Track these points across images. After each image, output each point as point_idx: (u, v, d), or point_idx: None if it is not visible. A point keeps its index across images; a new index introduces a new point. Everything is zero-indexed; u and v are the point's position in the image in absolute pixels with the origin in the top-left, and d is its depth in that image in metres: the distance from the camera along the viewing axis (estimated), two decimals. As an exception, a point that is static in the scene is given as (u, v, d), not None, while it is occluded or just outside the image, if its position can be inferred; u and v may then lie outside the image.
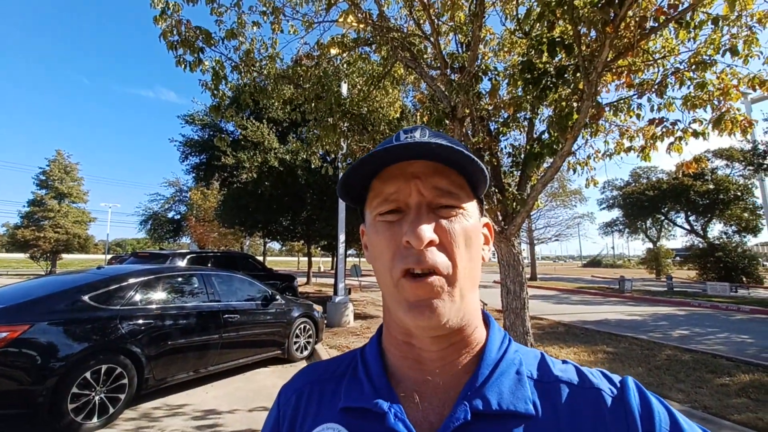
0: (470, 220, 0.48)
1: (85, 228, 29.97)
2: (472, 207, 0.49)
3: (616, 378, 0.47)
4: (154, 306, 4.21)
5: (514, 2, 3.93)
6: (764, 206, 13.69)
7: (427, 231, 0.43)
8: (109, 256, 27.86)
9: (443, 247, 0.45)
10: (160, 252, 9.84)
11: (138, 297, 4.13)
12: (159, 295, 4.36)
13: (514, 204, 3.71)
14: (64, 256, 30.43)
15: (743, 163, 17.84)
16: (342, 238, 9.06)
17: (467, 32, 3.89)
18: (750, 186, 20.36)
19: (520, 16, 3.81)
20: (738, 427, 3.55)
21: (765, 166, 12.82)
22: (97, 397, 3.52)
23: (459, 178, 0.48)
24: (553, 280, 26.49)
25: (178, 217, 28.36)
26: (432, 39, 3.74)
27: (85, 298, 3.75)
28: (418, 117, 4.71)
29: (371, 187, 0.50)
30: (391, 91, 4.74)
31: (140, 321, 3.98)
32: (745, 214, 20.84)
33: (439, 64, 3.85)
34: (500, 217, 3.83)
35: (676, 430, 0.41)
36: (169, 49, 3.47)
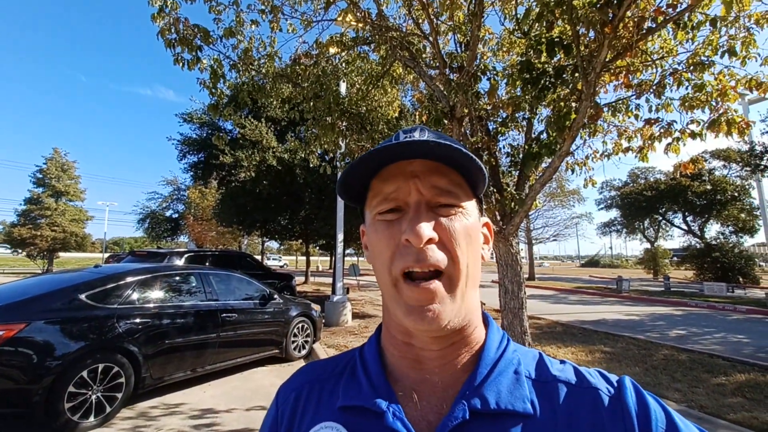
0: (470, 218, 0.48)
1: (82, 226, 29.88)
2: (471, 206, 0.49)
3: (614, 378, 0.47)
4: (151, 305, 4.20)
5: (513, 2, 3.93)
6: (761, 207, 13.73)
7: (427, 229, 0.43)
8: (106, 255, 27.78)
9: (443, 245, 0.45)
10: (157, 251, 9.81)
11: (135, 296, 4.12)
12: (156, 294, 4.35)
13: (513, 204, 3.71)
14: (60, 254, 30.31)
15: (740, 164, 17.92)
16: (340, 237, 9.06)
17: (466, 32, 3.89)
18: (747, 187, 20.48)
19: (519, 16, 3.81)
20: (734, 426, 3.57)
21: (762, 166, 12.88)
22: (93, 396, 3.51)
23: (458, 177, 0.48)
24: (551, 279, 26.56)
25: (176, 215, 28.32)
26: (431, 38, 3.73)
27: (82, 296, 3.73)
28: (417, 116, 4.71)
29: (371, 187, 0.50)
30: (389, 90, 4.74)
31: (137, 320, 3.97)
32: (742, 215, 20.96)
33: (437, 64, 3.85)
34: (498, 217, 3.83)
35: (673, 430, 0.41)
36: (167, 47, 3.45)
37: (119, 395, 3.68)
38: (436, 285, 0.43)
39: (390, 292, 0.46)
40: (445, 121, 3.61)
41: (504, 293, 4.00)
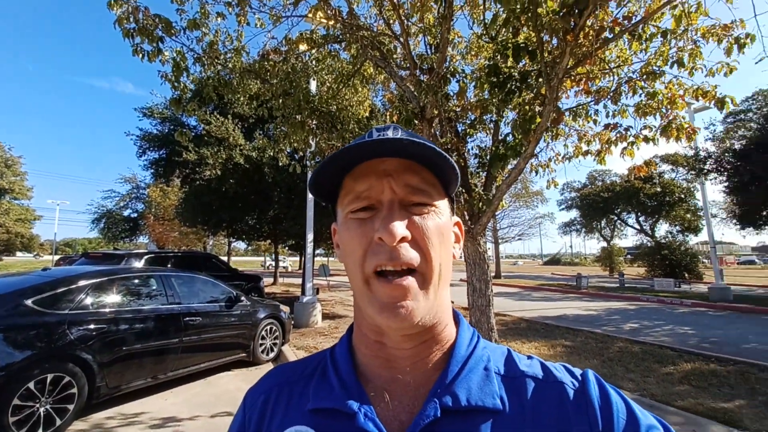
0: (442, 217, 0.48)
1: (29, 227, 27.79)
2: (443, 205, 0.49)
3: (578, 371, 0.49)
4: (107, 310, 3.96)
5: (481, 7, 4.03)
6: (704, 208, 14.91)
7: (400, 227, 0.43)
8: (56, 257, 25.95)
9: (416, 243, 0.45)
10: (114, 252, 9.29)
11: (89, 300, 3.87)
12: (113, 298, 4.11)
13: (480, 204, 3.81)
14: (4, 257, 28.05)
15: (686, 168, 19.29)
16: (310, 237, 8.94)
17: (436, 34, 3.94)
18: (692, 189, 22.09)
19: (486, 21, 3.91)
20: (681, 413, 3.83)
21: (705, 170, 13.95)
22: (42, 409, 3.27)
23: (431, 176, 0.48)
24: (516, 277, 27.46)
25: (135, 215, 26.91)
26: (401, 39, 3.76)
27: (28, 302, 3.46)
28: (388, 117, 4.72)
29: (343, 185, 0.49)
30: (360, 89, 4.73)
31: (92, 326, 3.73)
32: (688, 215, 22.63)
33: (408, 65, 3.88)
34: (467, 217, 3.91)
35: (632, 419, 0.43)
36: (125, 37, 3.27)
37: (71, 407, 3.44)
38: (410, 281, 0.43)
39: (362, 290, 0.46)
40: (416, 122, 3.65)
41: (472, 291, 4.10)
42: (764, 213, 13.42)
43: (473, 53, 4.60)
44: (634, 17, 3.17)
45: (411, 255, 0.44)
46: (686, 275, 19.52)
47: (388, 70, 3.84)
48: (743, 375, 4.92)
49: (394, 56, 4.08)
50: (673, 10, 3.14)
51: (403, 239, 0.43)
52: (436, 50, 3.97)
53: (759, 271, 36.48)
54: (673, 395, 4.27)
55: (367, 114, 4.82)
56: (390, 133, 0.47)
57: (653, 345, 6.64)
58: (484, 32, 3.96)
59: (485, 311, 4.03)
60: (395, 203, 0.46)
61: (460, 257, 0.64)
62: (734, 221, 15.69)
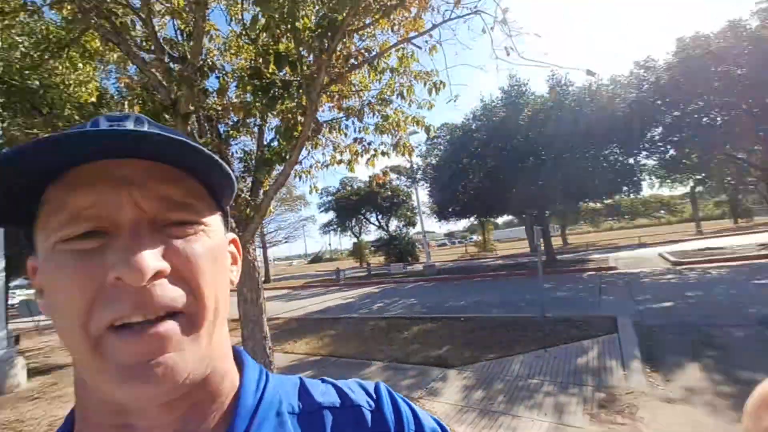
0: (215, 237, 0.38)
1: None
2: (215, 221, 0.39)
3: (370, 387, 0.48)
4: None
5: (240, 6, 3.89)
6: (417, 207, 20.42)
7: (151, 258, 0.31)
8: None
9: (180, 277, 0.34)
10: None
11: None
12: None
13: (248, 210, 3.68)
14: None
15: (406, 177, 25.38)
16: (1, 264, 6.14)
17: (188, 20, 3.52)
18: (410, 192, 29.11)
19: (246, 21, 3.81)
20: (416, 367, 4.97)
21: (417, 179, 19.10)
22: None
23: (197, 185, 0.37)
24: (285, 279, 28.19)
25: None
26: (142, 15, 3.15)
27: None
28: (126, 106, 3.84)
29: (46, 198, 0.34)
30: (81, 66, 3.61)
31: None
32: (408, 213, 29.70)
33: (152, 47, 3.30)
34: (234, 225, 3.70)
35: (419, 427, 0.46)
36: None
37: None
38: (169, 326, 0.32)
39: (87, 358, 0.31)
40: (167, 116, 3.15)
41: (243, 302, 3.92)
42: (450, 210, 19.28)
43: (233, 52, 4.38)
44: (372, 51, 3.85)
45: (171, 295, 0.32)
46: (410, 258, 25.51)
47: (125, 49, 3.13)
48: (448, 328, 6.87)
49: (133, 33, 3.36)
50: (398, 53, 4.02)
51: (157, 275, 0.31)
52: (189, 38, 3.54)
53: (449, 250, 51.88)
54: (409, 355, 5.47)
55: (93, 99, 3.71)
56: (130, 125, 0.35)
57: (393, 317, 8.31)
58: (244, 32, 3.85)
59: (258, 321, 3.94)
60: (143, 224, 0.33)
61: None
62: (434, 216, 21.68)
